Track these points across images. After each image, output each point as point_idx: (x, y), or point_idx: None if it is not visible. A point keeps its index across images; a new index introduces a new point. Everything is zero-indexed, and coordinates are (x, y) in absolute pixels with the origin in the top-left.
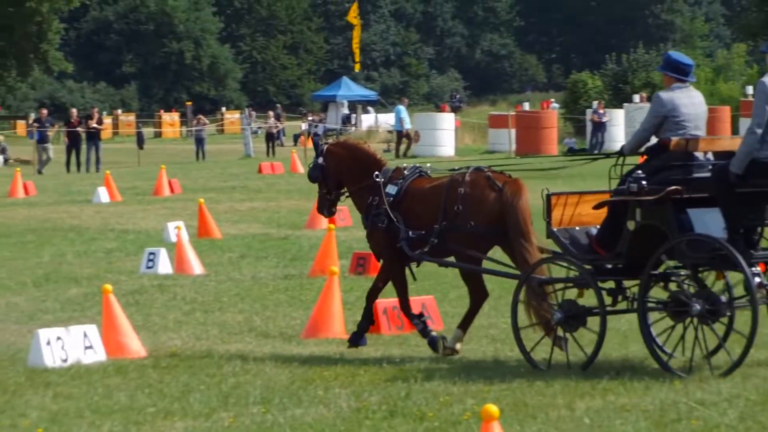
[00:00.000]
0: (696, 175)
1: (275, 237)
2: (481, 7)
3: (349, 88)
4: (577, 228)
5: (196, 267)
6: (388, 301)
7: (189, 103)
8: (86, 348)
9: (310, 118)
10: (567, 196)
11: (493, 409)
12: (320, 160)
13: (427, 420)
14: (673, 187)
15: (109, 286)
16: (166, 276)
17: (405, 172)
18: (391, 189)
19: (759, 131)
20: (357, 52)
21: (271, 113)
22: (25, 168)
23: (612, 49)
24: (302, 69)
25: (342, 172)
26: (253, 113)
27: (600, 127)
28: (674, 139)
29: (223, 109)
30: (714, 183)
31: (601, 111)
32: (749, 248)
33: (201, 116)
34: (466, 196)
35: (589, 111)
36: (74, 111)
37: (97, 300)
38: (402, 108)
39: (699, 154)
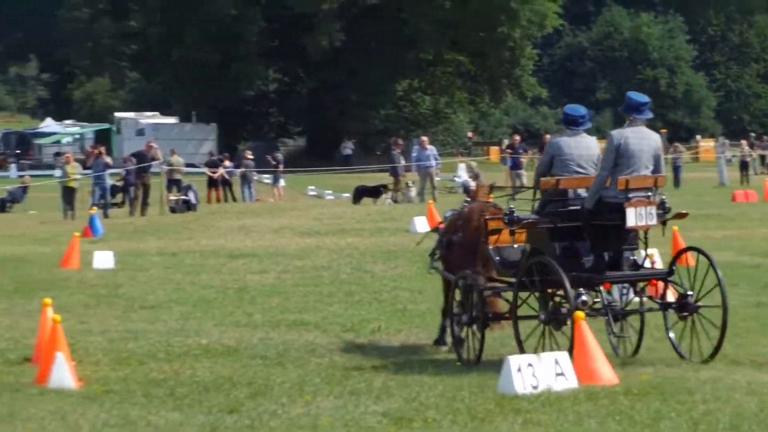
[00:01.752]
0: (571, 208)
1: (748, 265)
2: None
3: None
4: (515, 245)
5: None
6: None
7: (664, 130)
8: (557, 375)
9: None
10: None
11: None
12: None
13: None
14: (531, 220)
15: (581, 314)
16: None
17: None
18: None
19: (605, 174)
20: None
21: (744, 142)
22: None
23: None
24: None
25: None
26: (727, 141)
27: None
28: (543, 179)
29: (698, 137)
30: (580, 216)
31: None
32: (614, 269)
33: (678, 144)
34: (463, 216)
35: None
36: (548, 137)
37: (566, 328)
38: None
39: (581, 191)
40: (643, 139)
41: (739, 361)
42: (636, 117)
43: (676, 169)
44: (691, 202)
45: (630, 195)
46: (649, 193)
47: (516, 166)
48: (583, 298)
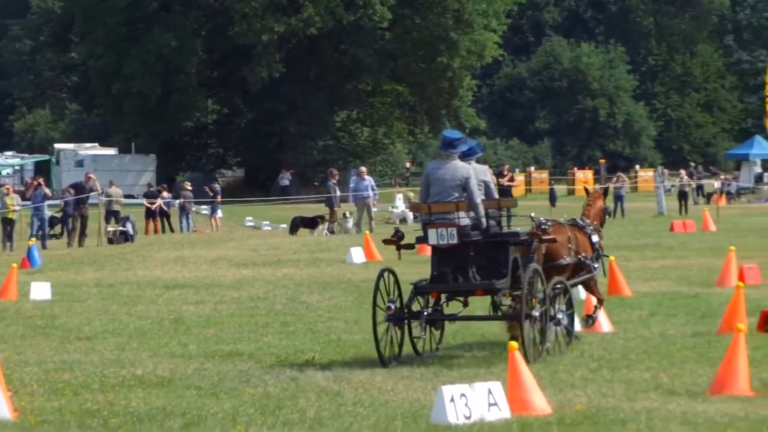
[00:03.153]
0: None
1: (685, 295)
2: None
3: (762, 147)
4: None
5: (605, 324)
6: None
7: (603, 160)
8: (490, 405)
9: (722, 177)
10: None
11: None
12: None
13: None
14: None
15: (515, 344)
16: (576, 334)
17: None
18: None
19: (421, 199)
20: None
21: (682, 171)
22: None
23: None
24: (716, 127)
25: None
26: (666, 171)
27: None
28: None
29: (637, 166)
30: None
31: None
32: (454, 282)
33: (621, 173)
34: None
35: None
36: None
37: (503, 357)
38: None
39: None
40: (448, 170)
41: (675, 390)
42: (451, 152)
43: (619, 199)
44: (630, 233)
45: (433, 218)
46: (451, 216)
47: None
48: (390, 305)
